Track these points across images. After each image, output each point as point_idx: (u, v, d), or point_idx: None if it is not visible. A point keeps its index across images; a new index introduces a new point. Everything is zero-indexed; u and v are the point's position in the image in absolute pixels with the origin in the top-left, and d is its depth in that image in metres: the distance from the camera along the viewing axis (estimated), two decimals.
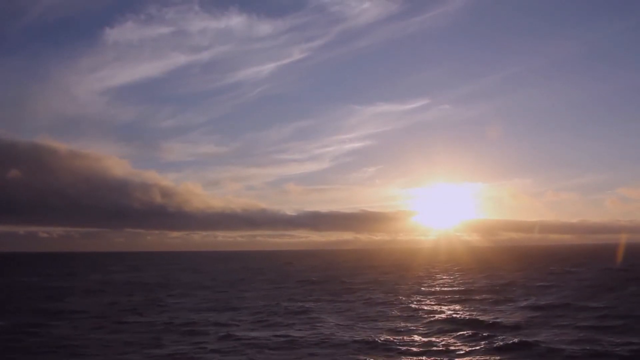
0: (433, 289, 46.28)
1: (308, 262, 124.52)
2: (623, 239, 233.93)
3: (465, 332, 24.30)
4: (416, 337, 23.43)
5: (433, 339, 23.12)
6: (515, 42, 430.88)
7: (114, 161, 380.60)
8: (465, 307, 33.57)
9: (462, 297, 38.94)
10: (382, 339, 22.84)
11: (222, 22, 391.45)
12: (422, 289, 46.95)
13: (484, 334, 23.46)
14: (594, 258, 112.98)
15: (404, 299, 38.89)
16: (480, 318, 28.60)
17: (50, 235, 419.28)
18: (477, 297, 38.67)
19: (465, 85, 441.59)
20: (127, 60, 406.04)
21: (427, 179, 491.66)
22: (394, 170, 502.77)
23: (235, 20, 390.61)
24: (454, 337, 23.29)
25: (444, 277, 63.51)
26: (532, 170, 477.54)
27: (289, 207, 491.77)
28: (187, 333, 25.54)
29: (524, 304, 33.98)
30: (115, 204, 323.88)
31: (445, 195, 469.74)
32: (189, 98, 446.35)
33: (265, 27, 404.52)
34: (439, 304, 35.27)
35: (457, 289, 46.01)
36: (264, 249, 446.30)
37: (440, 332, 24.70)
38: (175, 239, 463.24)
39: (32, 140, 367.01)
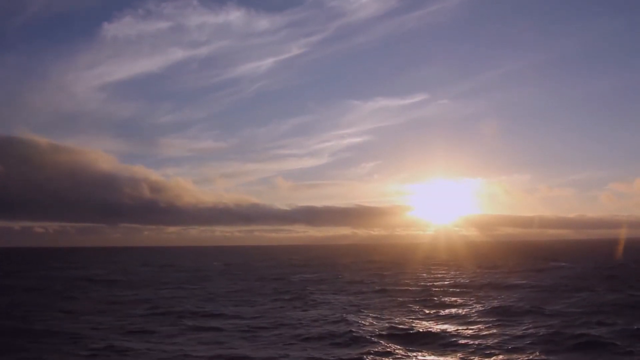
0: (390, 288, 42.02)
1: (295, 257, 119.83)
2: (622, 233, 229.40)
3: (380, 344, 20.11)
4: (303, 353, 19.11)
5: (336, 351, 18.85)
6: (515, 39, 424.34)
7: (105, 156, 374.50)
8: (407, 311, 29.42)
9: (414, 298, 34.79)
10: (258, 355, 18.55)
11: (221, 17, 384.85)
12: (381, 287, 42.61)
13: (398, 347, 19.31)
14: (588, 253, 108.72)
15: (348, 299, 34.75)
16: (416, 326, 24.51)
17: (46, 231, 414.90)
18: (433, 299, 34.43)
19: (464, 81, 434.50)
20: (126, 56, 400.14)
21: (426, 175, 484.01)
22: (392, 166, 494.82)
23: (234, 15, 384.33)
24: (361, 352, 19.03)
25: (418, 273, 59.34)
26: (530, 166, 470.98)
27: (286, 203, 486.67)
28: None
29: (477, 307, 29.87)
30: (108, 199, 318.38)
31: (443, 191, 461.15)
32: (187, 94, 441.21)
33: (263, 22, 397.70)
34: (382, 307, 30.97)
35: (415, 289, 41.69)
36: (261, 244, 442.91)
37: (352, 344, 20.47)
38: (171, 234, 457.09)
39: (19, 136, 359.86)
